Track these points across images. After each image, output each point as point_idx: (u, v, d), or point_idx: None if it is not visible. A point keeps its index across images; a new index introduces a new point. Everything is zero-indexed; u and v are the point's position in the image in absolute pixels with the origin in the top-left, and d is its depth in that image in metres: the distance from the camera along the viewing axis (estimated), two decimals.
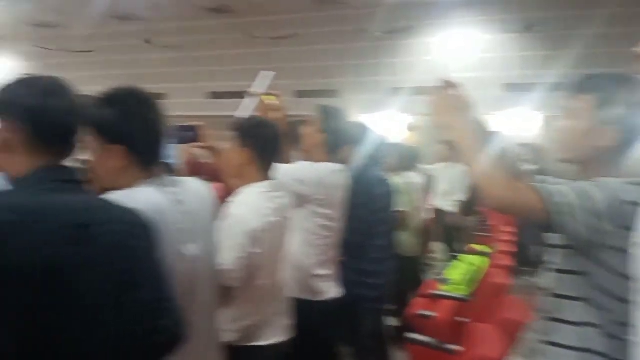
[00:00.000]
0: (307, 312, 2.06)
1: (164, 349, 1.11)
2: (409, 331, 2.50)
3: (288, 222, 1.93)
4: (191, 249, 1.36)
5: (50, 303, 0.94)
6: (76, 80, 1.21)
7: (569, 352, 1.22)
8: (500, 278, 2.94)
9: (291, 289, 2.03)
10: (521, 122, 7.35)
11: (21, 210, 0.96)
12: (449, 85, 1.36)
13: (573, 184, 1.20)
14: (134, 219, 1.11)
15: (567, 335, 1.23)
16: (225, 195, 1.90)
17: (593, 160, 1.27)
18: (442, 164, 5.55)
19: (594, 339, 1.19)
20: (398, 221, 3.28)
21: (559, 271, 1.27)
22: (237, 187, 1.85)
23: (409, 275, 3.60)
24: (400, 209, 3.38)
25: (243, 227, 1.69)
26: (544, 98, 6.25)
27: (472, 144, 1.25)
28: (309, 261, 2.22)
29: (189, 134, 2.09)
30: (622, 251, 1.06)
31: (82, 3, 7.22)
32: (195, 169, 2.85)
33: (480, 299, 2.74)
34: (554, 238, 1.29)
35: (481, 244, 4.05)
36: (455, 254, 4.27)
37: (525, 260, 4.16)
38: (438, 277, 3.26)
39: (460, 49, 8.02)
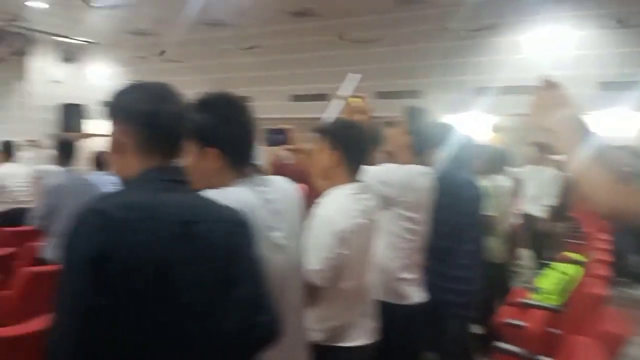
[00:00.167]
0: (391, 315, 2.05)
1: (261, 344, 1.15)
2: (496, 340, 2.42)
3: (375, 225, 1.93)
4: (279, 247, 1.40)
5: (158, 296, 1.00)
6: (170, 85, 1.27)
7: None
8: (597, 288, 2.77)
9: (376, 292, 2.03)
10: (618, 123, 6.89)
11: (136, 208, 1.02)
12: (549, 84, 1.30)
13: None
14: (235, 217, 1.16)
15: None
16: (309, 195, 1.93)
17: None
18: (531, 167, 5.32)
19: None
20: (487, 226, 3.18)
21: None
22: (325, 188, 1.87)
23: (496, 282, 3.48)
24: (489, 214, 3.27)
25: (331, 228, 1.71)
26: None
27: (574, 145, 1.19)
28: (393, 264, 2.21)
29: (279, 137, 2.15)
30: None
31: (175, 11, 7.61)
32: (280, 170, 2.92)
33: (575, 310, 2.60)
34: None
35: (574, 252, 3.84)
36: (546, 262, 4.08)
37: (624, 270, 3.90)
38: (527, 286, 3.14)
39: (551, 47, 7.64)
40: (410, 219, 2.22)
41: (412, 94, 8.17)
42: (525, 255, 5.08)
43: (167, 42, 8.93)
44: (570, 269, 3.21)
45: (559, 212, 5.06)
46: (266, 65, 9.55)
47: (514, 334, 2.35)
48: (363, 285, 1.88)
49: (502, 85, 7.11)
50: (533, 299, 2.73)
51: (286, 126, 2.26)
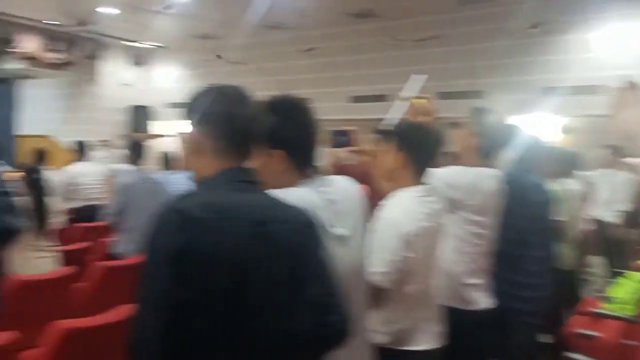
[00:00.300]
0: (457, 320, 2.01)
1: (331, 344, 1.16)
2: (566, 350, 2.33)
3: (441, 228, 1.90)
4: (342, 247, 1.40)
5: (233, 294, 1.03)
6: None
7: None
8: None
9: (442, 297, 2.00)
10: None
11: (214, 207, 1.06)
12: (632, 84, 1.24)
13: None
14: (305, 218, 1.18)
15: None
16: (371, 197, 1.92)
17: None
18: (603, 170, 5.08)
19: None
20: (556, 232, 3.06)
21: None
22: (389, 190, 1.86)
23: (565, 290, 3.34)
24: (559, 219, 3.15)
25: (397, 231, 1.70)
26: None
27: None
28: (458, 269, 2.16)
29: (343, 139, 2.16)
30: None
31: (239, 15, 7.78)
32: (341, 171, 2.93)
33: None
34: None
35: None
36: (619, 270, 3.87)
37: None
38: (599, 295, 2.99)
39: (623, 45, 7.24)
40: (477, 223, 2.17)
41: (474, 94, 7.98)
42: (597, 263, 4.85)
43: (230, 45, 9.14)
44: None
45: (633, 218, 4.80)
46: (326, 66, 9.60)
47: (587, 344, 2.25)
48: (428, 289, 1.86)
49: (570, 85, 6.81)
50: (606, 308, 2.59)
51: (350, 128, 2.26)
